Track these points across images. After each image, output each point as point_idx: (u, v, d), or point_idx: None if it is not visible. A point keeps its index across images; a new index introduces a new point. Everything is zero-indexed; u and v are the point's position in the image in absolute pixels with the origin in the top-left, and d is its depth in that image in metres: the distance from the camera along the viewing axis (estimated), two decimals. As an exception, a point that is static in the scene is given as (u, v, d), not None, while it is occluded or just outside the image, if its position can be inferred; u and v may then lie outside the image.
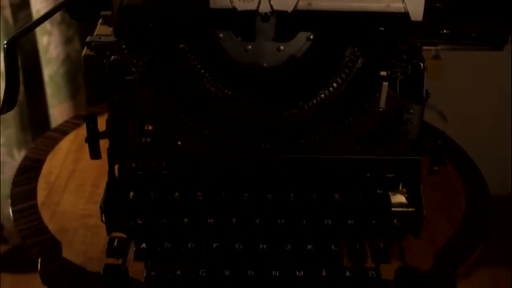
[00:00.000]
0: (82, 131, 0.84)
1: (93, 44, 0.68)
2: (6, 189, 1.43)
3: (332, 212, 0.60)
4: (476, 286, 1.68)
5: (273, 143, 0.62)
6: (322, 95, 0.61)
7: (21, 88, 1.29)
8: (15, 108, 1.31)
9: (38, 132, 1.36)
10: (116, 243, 0.58)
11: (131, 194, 0.61)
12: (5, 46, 0.58)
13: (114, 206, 0.61)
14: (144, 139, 0.64)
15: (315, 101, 0.61)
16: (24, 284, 1.62)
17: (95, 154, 0.62)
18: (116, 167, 0.64)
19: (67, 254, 0.65)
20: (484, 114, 1.72)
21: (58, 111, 1.29)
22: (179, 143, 0.63)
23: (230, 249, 0.57)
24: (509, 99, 1.67)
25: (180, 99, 0.62)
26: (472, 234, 0.70)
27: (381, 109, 0.62)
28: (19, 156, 1.37)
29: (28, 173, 0.76)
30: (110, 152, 0.63)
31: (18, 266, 1.67)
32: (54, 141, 0.82)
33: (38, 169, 0.76)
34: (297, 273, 0.56)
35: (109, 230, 0.62)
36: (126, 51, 0.62)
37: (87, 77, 0.73)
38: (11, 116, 1.33)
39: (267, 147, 0.62)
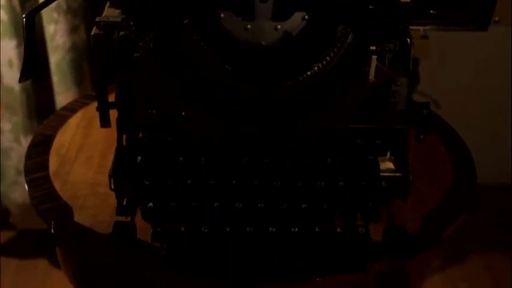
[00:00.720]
0: (90, 110, 0.89)
1: (101, 23, 0.73)
2: (13, 175, 1.48)
3: (324, 175, 0.64)
4: (471, 275, 1.72)
5: (271, 114, 0.67)
6: (316, 68, 0.66)
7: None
8: (22, 96, 1.36)
9: (45, 119, 1.41)
10: (124, 202, 0.63)
11: (138, 158, 0.65)
12: (24, 19, 0.62)
13: (123, 171, 0.66)
14: (150, 111, 0.69)
15: (309, 73, 0.66)
16: (29, 270, 1.67)
17: (105, 123, 0.66)
18: (124, 136, 0.68)
19: (78, 218, 0.70)
20: (483, 104, 1.75)
21: (64, 98, 1.33)
22: (183, 113, 0.68)
23: (230, 207, 0.62)
24: (508, 89, 1.70)
25: (184, 73, 0.67)
26: (457, 202, 0.75)
27: (371, 81, 0.66)
28: (26, 142, 1.41)
29: (40, 147, 0.81)
30: (119, 122, 0.67)
31: (24, 252, 1.71)
32: (64, 118, 0.86)
33: (49, 143, 0.81)
34: (292, 229, 0.60)
35: (118, 196, 0.67)
36: (133, 28, 0.67)
37: (96, 55, 0.77)
38: (18, 103, 1.37)
39: (266, 118, 0.67)
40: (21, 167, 1.43)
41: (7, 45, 1.29)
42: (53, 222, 0.70)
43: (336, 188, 0.63)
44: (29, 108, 1.38)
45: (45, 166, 0.77)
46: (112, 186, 0.69)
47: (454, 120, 0.95)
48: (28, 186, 0.75)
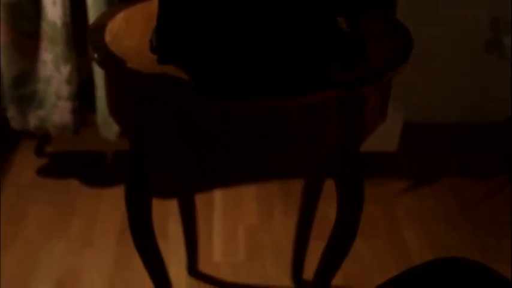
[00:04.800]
0: (130, 10, 1.19)
1: None
2: (54, 100, 1.78)
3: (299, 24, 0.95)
4: (438, 193, 2.02)
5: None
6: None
7: (68, 11, 1.64)
8: (63, 29, 1.66)
9: (82, 50, 1.71)
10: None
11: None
12: None
13: (162, 30, 0.97)
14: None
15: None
16: (62, 189, 1.97)
17: (150, -6, 0.97)
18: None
19: (129, 65, 1.00)
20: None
21: (97, 30, 1.63)
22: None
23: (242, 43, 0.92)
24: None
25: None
26: (398, 59, 1.05)
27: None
28: (65, 70, 1.71)
29: (97, 29, 1.11)
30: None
31: (58, 173, 2.01)
32: (111, 16, 1.16)
33: (104, 27, 1.11)
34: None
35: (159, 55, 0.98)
36: None
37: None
38: (59, 36, 1.67)
39: None
40: (61, 92, 1.74)
41: (52, -14, 1.60)
42: (111, 67, 1.00)
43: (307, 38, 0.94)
44: (68, 41, 1.68)
45: (102, 38, 1.07)
46: (154, 44, 1.00)
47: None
48: (92, 50, 1.05)
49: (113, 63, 1.01)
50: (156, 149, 1.11)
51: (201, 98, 0.94)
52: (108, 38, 1.08)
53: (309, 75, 0.95)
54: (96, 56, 1.04)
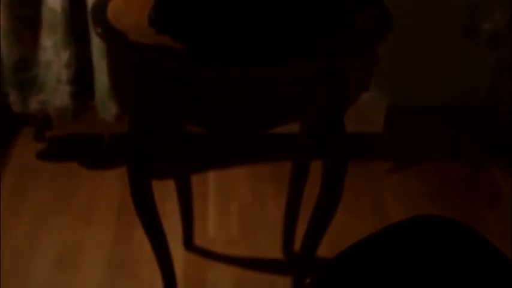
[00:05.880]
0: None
1: None
2: (54, 84, 1.84)
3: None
4: (423, 175, 2.10)
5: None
6: None
7: (68, -2, 1.72)
8: (63, 16, 1.73)
9: (80, 36, 1.78)
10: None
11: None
12: None
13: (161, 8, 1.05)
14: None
15: None
16: (62, 172, 2.04)
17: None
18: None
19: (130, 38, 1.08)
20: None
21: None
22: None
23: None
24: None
25: None
26: (378, 35, 1.14)
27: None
28: (65, 55, 1.78)
29: (99, 6, 1.18)
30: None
31: (57, 157, 2.08)
32: (111, -2, 1.25)
33: (105, 5, 1.19)
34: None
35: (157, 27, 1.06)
36: None
37: None
38: (58, 22, 1.74)
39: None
40: (61, 76, 1.81)
41: (52, -26, 1.67)
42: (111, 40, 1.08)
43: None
44: (67, 27, 1.75)
45: (105, 15, 1.15)
46: (153, 16, 1.08)
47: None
48: (95, 25, 1.13)
49: (115, 37, 1.09)
50: (156, 127, 1.18)
51: (198, 66, 1.02)
52: (109, 15, 1.16)
53: (297, 48, 1.04)
54: (99, 30, 1.12)
